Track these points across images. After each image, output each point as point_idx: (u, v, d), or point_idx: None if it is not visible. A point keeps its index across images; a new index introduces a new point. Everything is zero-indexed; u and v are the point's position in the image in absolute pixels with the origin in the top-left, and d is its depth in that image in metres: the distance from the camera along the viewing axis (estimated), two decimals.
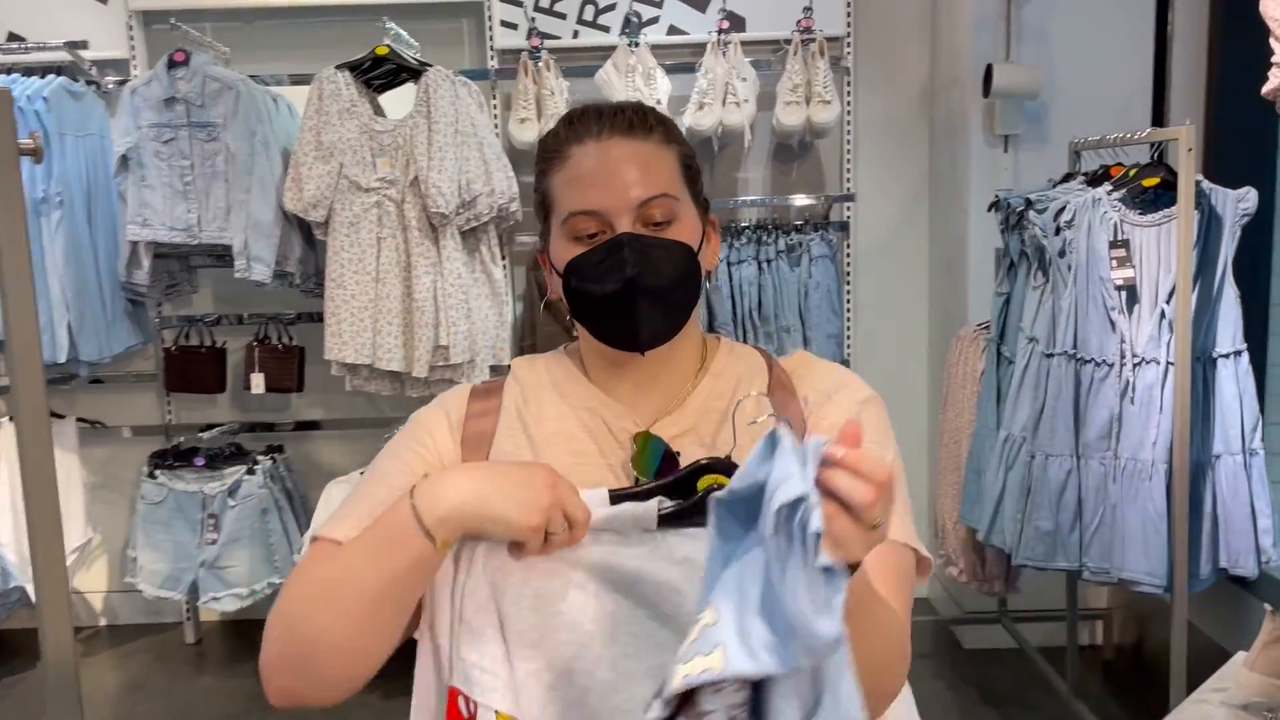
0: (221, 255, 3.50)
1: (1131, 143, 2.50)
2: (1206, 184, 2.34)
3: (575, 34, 3.61)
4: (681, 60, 3.50)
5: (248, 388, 3.63)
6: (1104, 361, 2.41)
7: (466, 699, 0.98)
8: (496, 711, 0.97)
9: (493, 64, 3.58)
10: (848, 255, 3.63)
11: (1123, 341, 2.39)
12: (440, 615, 1.02)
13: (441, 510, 0.95)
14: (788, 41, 3.40)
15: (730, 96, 3.32)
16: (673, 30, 3.59)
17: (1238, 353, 2.39)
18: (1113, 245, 2.37)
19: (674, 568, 0.97)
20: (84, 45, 3.57)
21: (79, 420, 3.76)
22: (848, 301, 3.60)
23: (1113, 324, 2.40)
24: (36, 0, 3.58)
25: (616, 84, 3.30)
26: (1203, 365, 2.40)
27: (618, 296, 1.06)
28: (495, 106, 3.55)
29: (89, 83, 3.55)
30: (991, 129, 3.40)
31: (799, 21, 3.40)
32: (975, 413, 2.91)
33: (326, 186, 3.16)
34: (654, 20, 3.58)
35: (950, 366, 3.15)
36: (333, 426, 3.94)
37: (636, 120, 1.10)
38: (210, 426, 3.77)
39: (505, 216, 3.30)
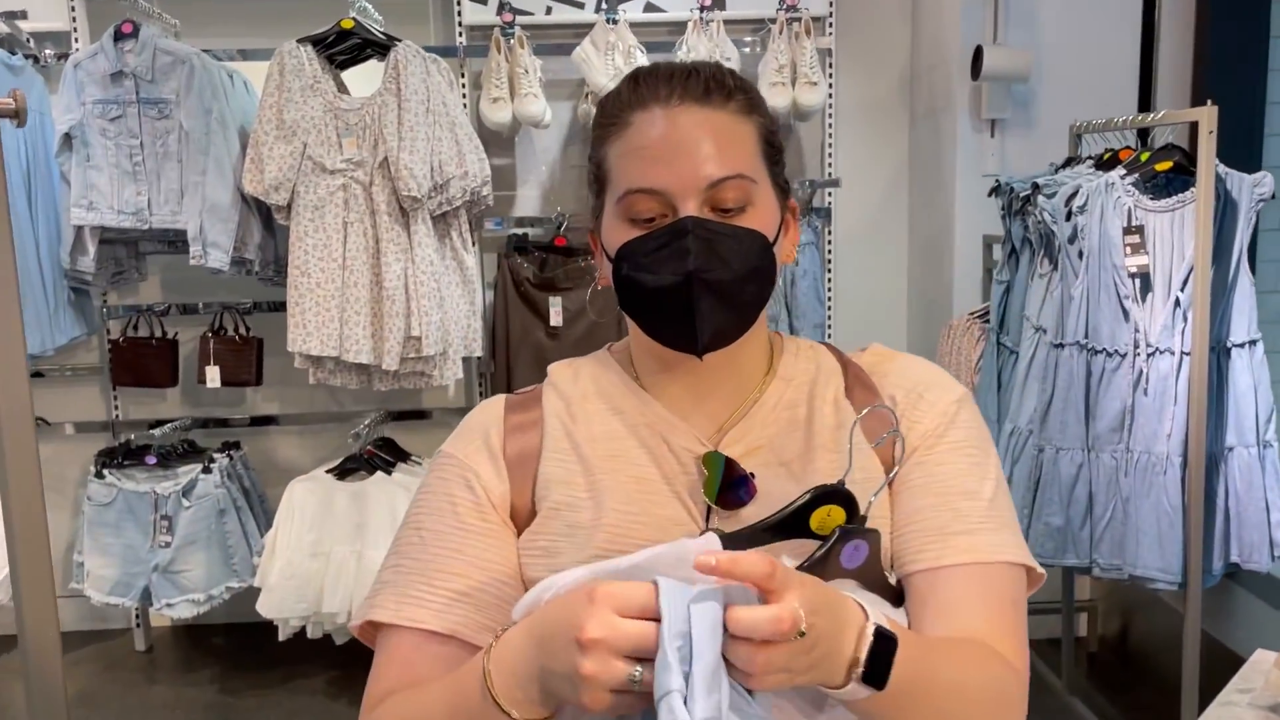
0: (174, 241, 3.30)
1: (1142, 125, 2.43)
2: (1222, 168, 2.27)
3: (549, 10, 3.46)
4: (661, 39, 3.37)
5: (202, 381, 3.43)
6: (1116, 352, 2.34)
7: None
8: None
9: (461, 40, 3.42)
10: (829, 242, 3.53)
11: (1136, 331, 2.32)
12: None
13: (517, 694, 0.79)
14: (772, 20, 3.29)
15: None
16: (650, 7, 3.45)
17: (1252, 342, 2.33)
18: (1127, 231, 2.29)
19: None
20: (22, 15, 3.33)
21: None
22: (829, 290, 3.51)
23: (1126, 313, 2.32)
24: None
25: (595, 62, 3.16)
26: (1217, 355, 2.34)
27: (674, 290, 0.91)
28: (464, 85, 3.38)
29: (27, 56, 3.31)
30: (978, 113, 3.32)
31: (784, 0, 3.29)
32: None
33: (289, 168, 2.97)
34: None
35: (941, 357, 3.06)
36: (291, 422, 3.76)
37: (714, 84, 0.94)
38: (160, 423, 3.55)
39: (477, 201, 3.14)
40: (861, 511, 0.90)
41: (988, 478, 0.97)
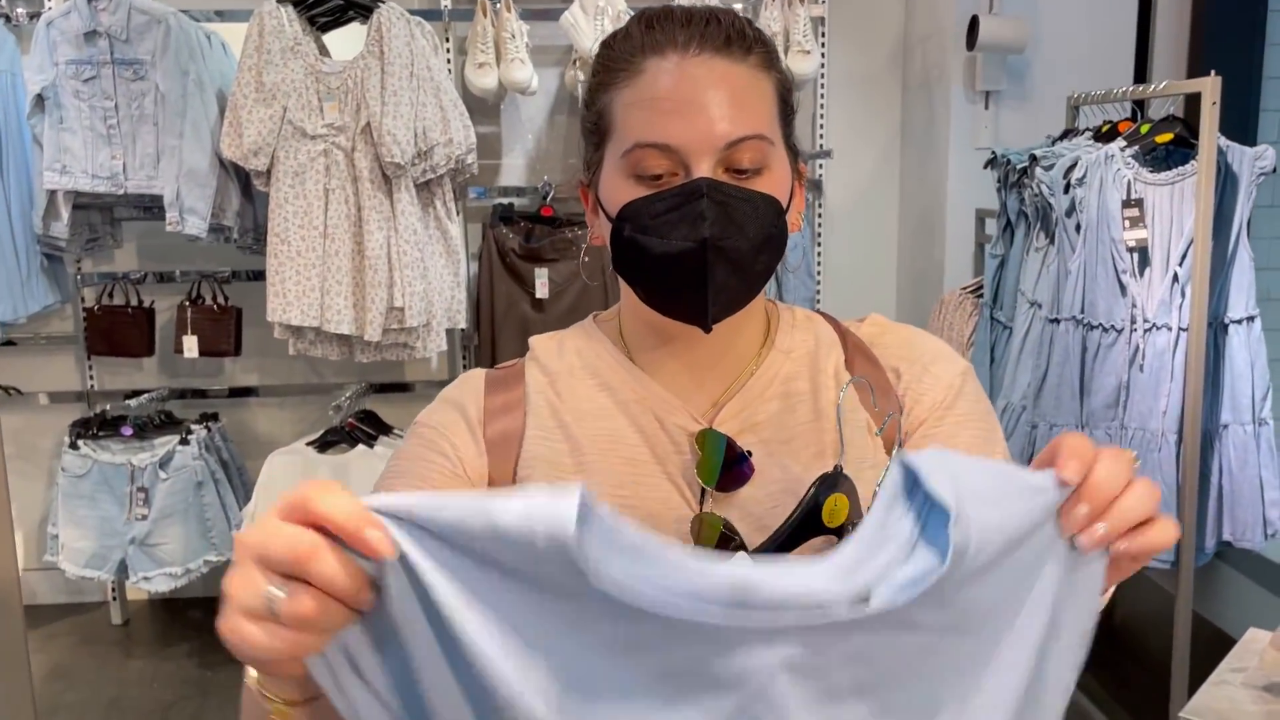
0: (149, 207, 3.22)
1: (1142, 96, 2.38)
2: (1223, 141, 2.23)
3: None
4: (652, 2, 3.29)
5: (179, 351, 3.35)
6: (1112, 327, 2.30)
7: None
8: None
9: (446, 3, 3.33)
10: (819, 214, 3.48)
11: (1133, 306, 2.28)
12: None
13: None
14: None
15: None
16: None
17: (1250, 318, 2.30)
18: (1125, 205, 2.25)
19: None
20: None
21: None
22: (818, 262, 3.46)
23: (1123, 288, 2.28)
24: None
25: (584, 28, 3.08)
26: (1214, 331, 2.31)
27: (686, 257, 0.84)
28: (449, 50, 3.30)
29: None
30: (973, 84, 3.26)
31: None
32: None
33: (269, 132, 2.89)
34: None
35: (933, 332, 3.02)
36: (270, 393, 3.69)
37: (735, 35, 0.87)
38: (137, 393, 3.48)
39: (461, 169, 3.07)
40: (863, 500, 0.86)
41: (996, 450, 0.93)
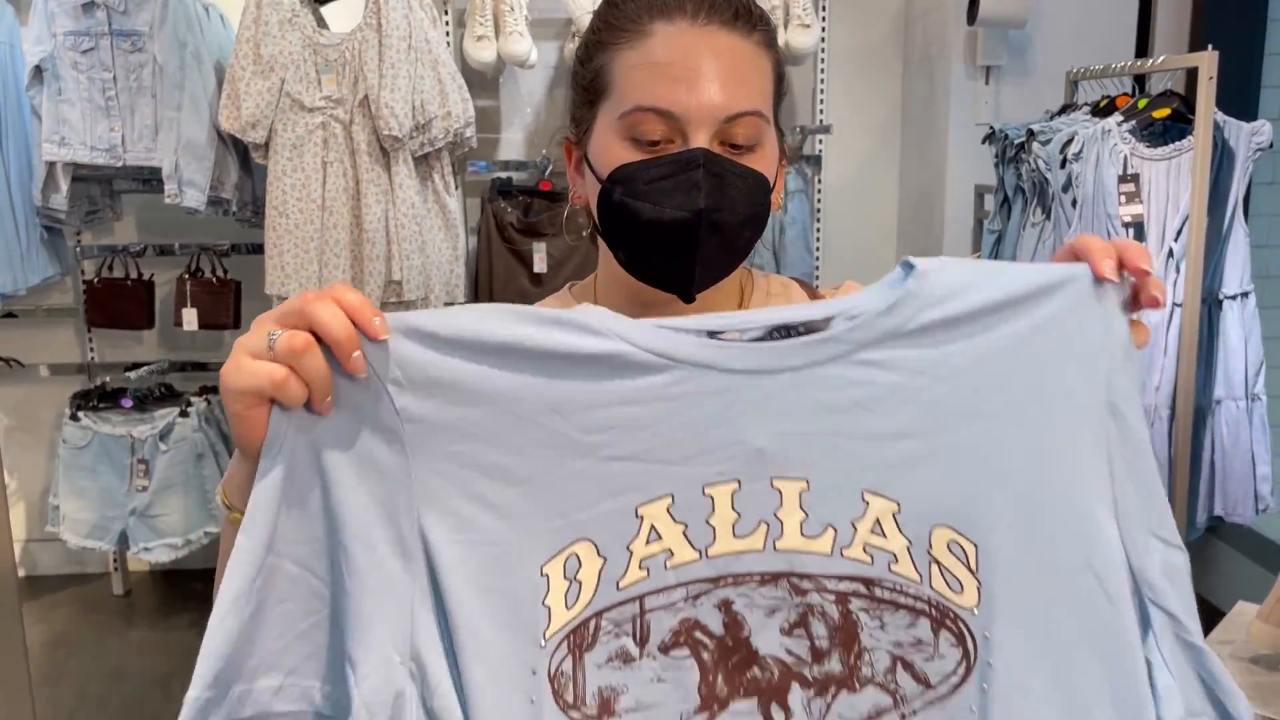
0: (148, 179, 3.22)
1: (1141, 71, 2.38)
2: (1220, 116, 2.23)
3: None
4: None
5: (179, 324, 3.36)
6: None
7: None
8: None
9: None
10: (818, 190, 3.48)
11: None
12: None
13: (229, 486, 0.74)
14: None
15: None
16: None
17: (1244, 294, 2.30)
18: (1122, 180, 2.25)
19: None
20: None
21: None
22: (817, 239, 3.46)
23: None
24: None
25: (583, 1, 3.07)
26: (1208, 307, 2.31)
27: (677, 227, 0.84)
28: (447, 22, 3.29)
29: None
30: (973, 59, 3.25)
31: None
32: None
33: (267, 104, 2.89)
34: None
35: None
36: None
37: (742, 10, 0.87)
38: (137, 366, 3.50)
39: (460, 142, 3.07)
40: None
41: None
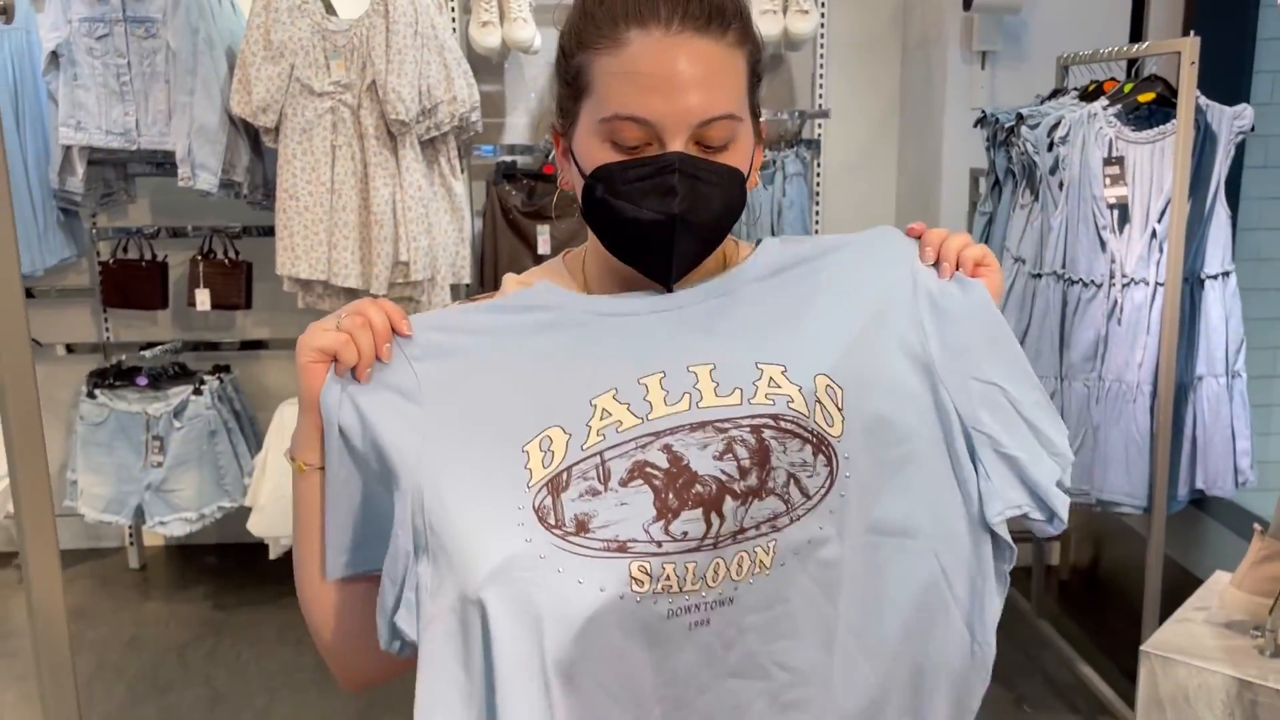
0: (162, 163, 3.30)
1: (1127, 56, 2.44)
2: (1203, 100, 2.28)
3: None
4: None
5: (191, 304, 3.45)
6: (1092, 282, 2.37)
7: None
8: None
9: None
10: (818, 174, 3.54)
11: (1113, 262, 2.35)
12: None
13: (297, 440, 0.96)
14: None
15: None
16: None
17: (1226, 274, 2.37)
18: (1107, 162, 2.31)
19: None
20: None
21: None
22: (816, 222, 3.52)
23: (1103, 244, 2.35)
24: None
25: None
26: (1190, 286, 2.38)
27: (654, 227, 0.90)
28: (453, 9, 3.36)
29: None
30: (969, 45, 3.31)
31: None
32: None
33: (277, 89, 2.97)
34: None
35: None
36: (281, 346, 3.78)
37: (715, 12, 0.90)
38: (151, 345, 3.59)
39: (465, 127, 3.14)
40: None
41: None
